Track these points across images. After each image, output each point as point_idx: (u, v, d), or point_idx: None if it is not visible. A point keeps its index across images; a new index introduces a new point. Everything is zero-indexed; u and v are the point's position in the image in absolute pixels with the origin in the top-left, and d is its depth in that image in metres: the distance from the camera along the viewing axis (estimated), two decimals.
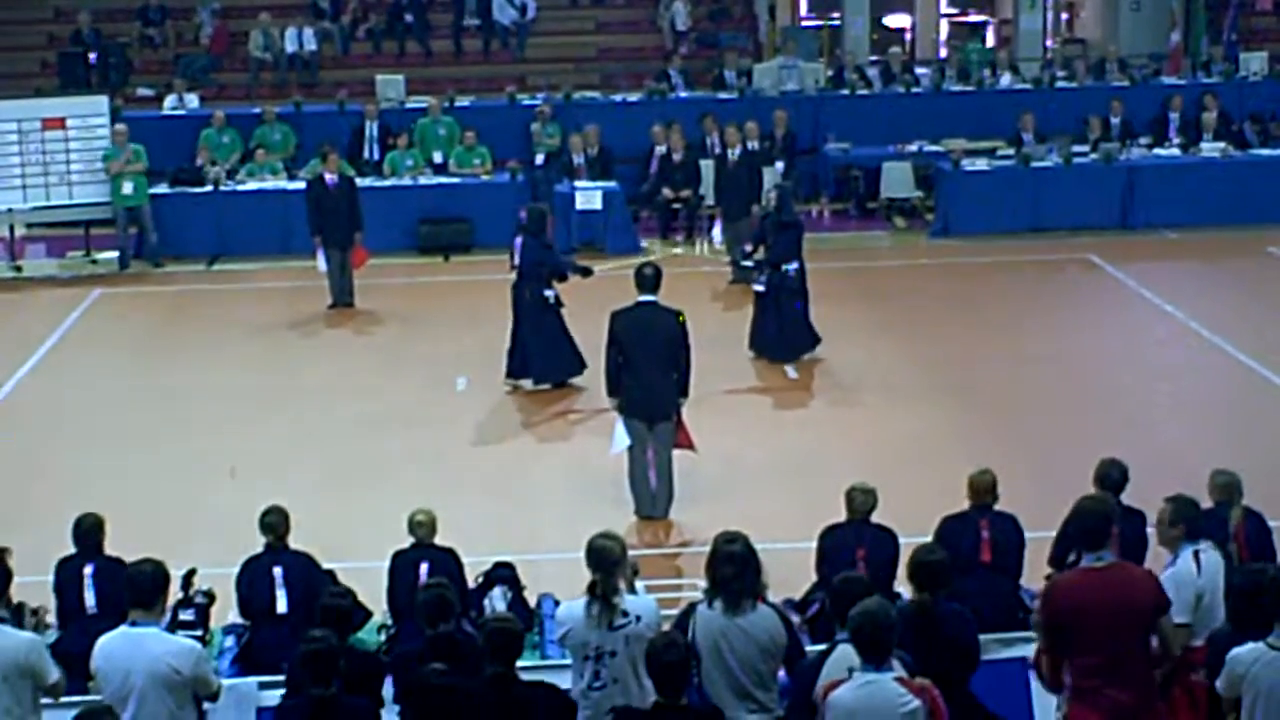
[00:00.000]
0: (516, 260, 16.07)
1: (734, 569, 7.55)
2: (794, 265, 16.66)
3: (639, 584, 8.30)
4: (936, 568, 8.00)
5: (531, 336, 16.09)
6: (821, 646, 8.38)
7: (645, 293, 12.91)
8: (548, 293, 16.00)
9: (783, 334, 16.75)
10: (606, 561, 7.86)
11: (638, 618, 7.82)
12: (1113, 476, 9.94)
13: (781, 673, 7.74)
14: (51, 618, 9.87)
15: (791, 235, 16.82)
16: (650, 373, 12.64)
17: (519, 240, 16.08)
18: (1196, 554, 8.39)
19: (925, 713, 6.97)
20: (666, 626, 7.93)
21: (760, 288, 16.79)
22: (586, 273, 16.62)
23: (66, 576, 10.00)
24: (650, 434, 12.72)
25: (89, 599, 9.89)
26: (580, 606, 7.86)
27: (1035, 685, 8.86)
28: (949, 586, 8.08)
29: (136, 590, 7.78)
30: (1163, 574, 8.20)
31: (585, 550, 7.94)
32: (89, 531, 10.03)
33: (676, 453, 12.93)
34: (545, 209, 17.07)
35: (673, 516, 12.82)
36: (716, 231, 20.73)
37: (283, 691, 8.37)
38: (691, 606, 7.71)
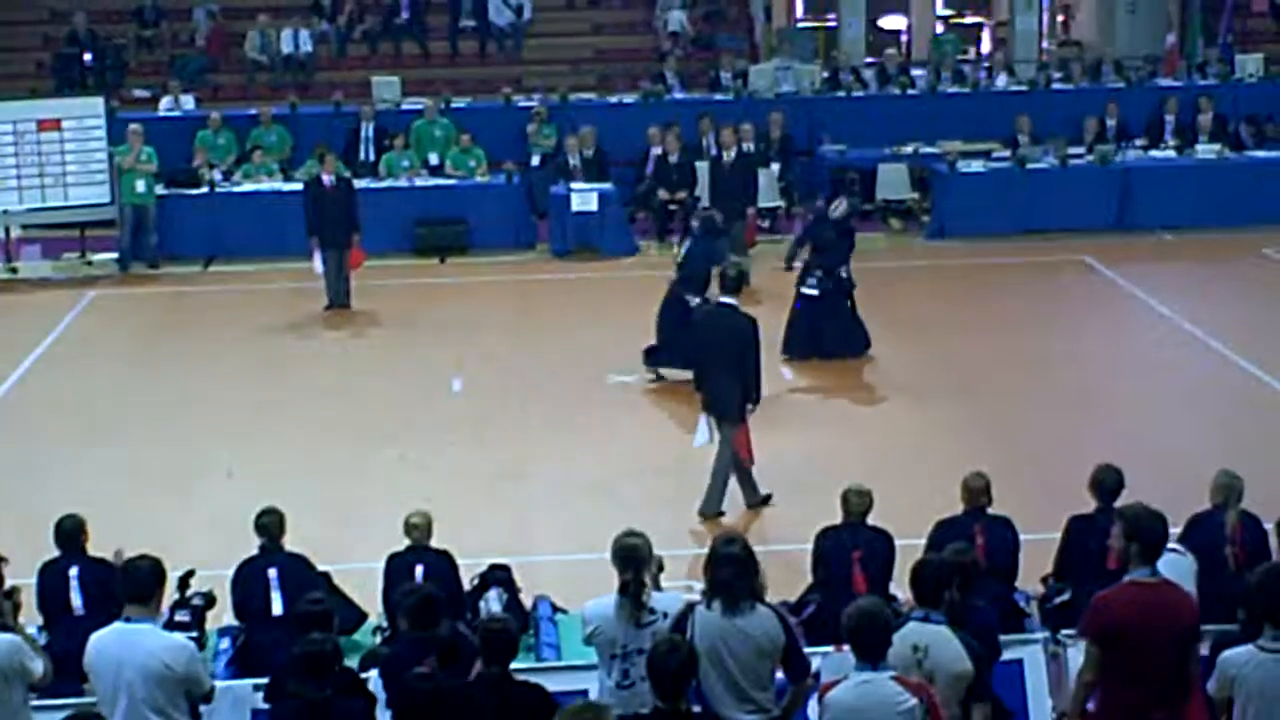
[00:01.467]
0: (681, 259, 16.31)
1: (732, 570, 7.55)
2: (846, 269, 16.90)
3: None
4: (971, 569, 8.06)
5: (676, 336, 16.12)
6: (826, 648, 8.43)
7: (726, 295, 13.04)
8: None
9: (844, 332, 16.85)
10: (634, 560, 7.87)
11: (664, 615, 7.81)
12: (1108, 482, 9.93)
13: (779, 673, 7.75)
14: (24, 597, 9.77)
15: (849, 241, 17.12)
16: (717, 373, 12.79)
17: (686, 244, 16.27)
18: None
19: (922, 711, 6.98)
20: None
21: (814, 291, 16.79)
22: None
23: (51, 579, 9.99)
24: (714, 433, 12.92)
25: (75, 600, 9.88)
26: (609, 605, 7.86)
27: (1030, 687, 8.90)
28: (976, 585, 8.16)
29: (133, 585, 7.78)
30: None
31: (612, 549, 7.94)
32: (70, 533, 10.02)
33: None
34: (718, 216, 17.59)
35: (667, 517, 12.80)
36: None
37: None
38: (690, 607, 7.71)
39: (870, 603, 7.24)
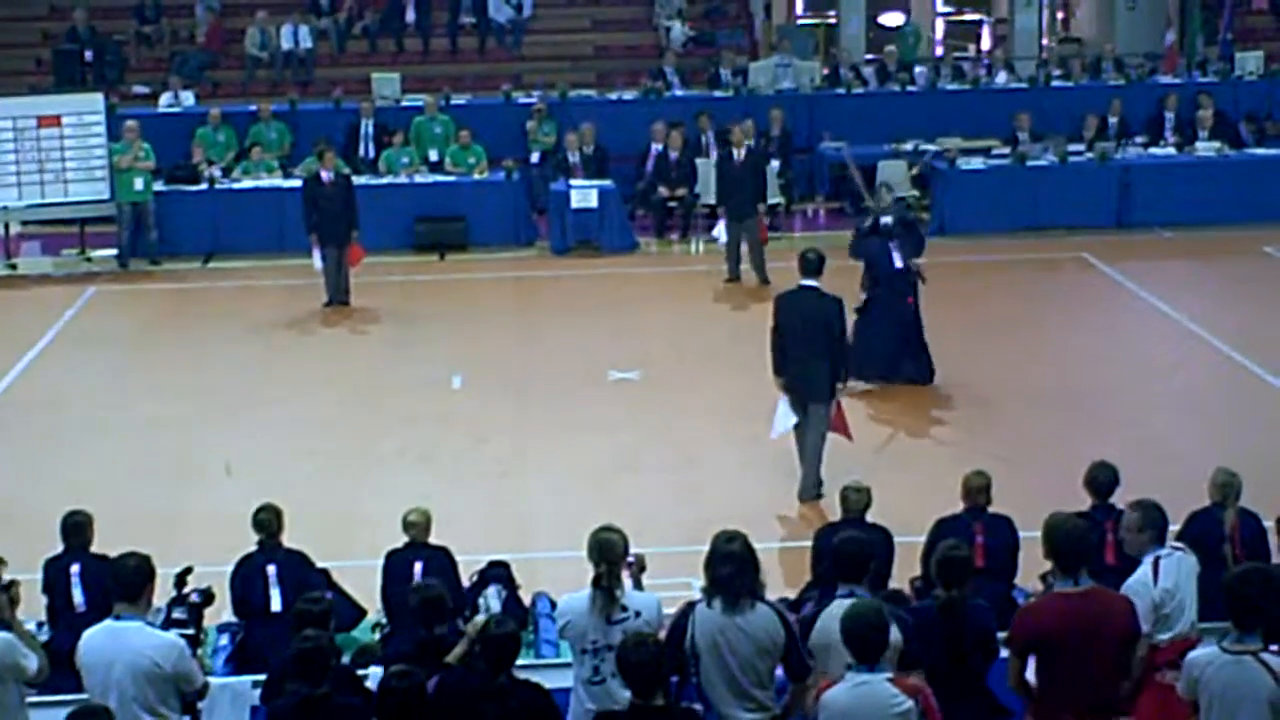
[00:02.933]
0: (899, 264, 15.93)
1: (732, 568, 7.53)
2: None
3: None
4: (962, 563, 8.07)
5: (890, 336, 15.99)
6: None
7: (807, 277, 13.14)
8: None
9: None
10: (610, 554, 7.85)
11: (637, 613, 7.80)
12: (1103, 480, 9.91)
13: (779, 670, 7.75)
14: (23, 591, 9.74)
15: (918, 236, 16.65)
16: (804, 356, 12.93)
17: (893, 244, 15.98)
18: (1157, 561, 8.38)
19: (918, 713, 7.00)
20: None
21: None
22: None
23: (54, 575, 9.99)
24: (803, 416, 12.99)
25: (77, 597, 9.87)
26: (581, 599, 7.85)
27: None
28: (972, 581, 8.15)
29: (121, 583, 7.77)
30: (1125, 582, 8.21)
31: (588, 543, 7.92)
32: (75, 529, 10.01)
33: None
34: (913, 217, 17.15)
35: (666, 514, 12.80)
36: (720, 230, 20.61)
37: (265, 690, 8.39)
38: (690, 605, 7.70)
39: (866, 604, 7.25)
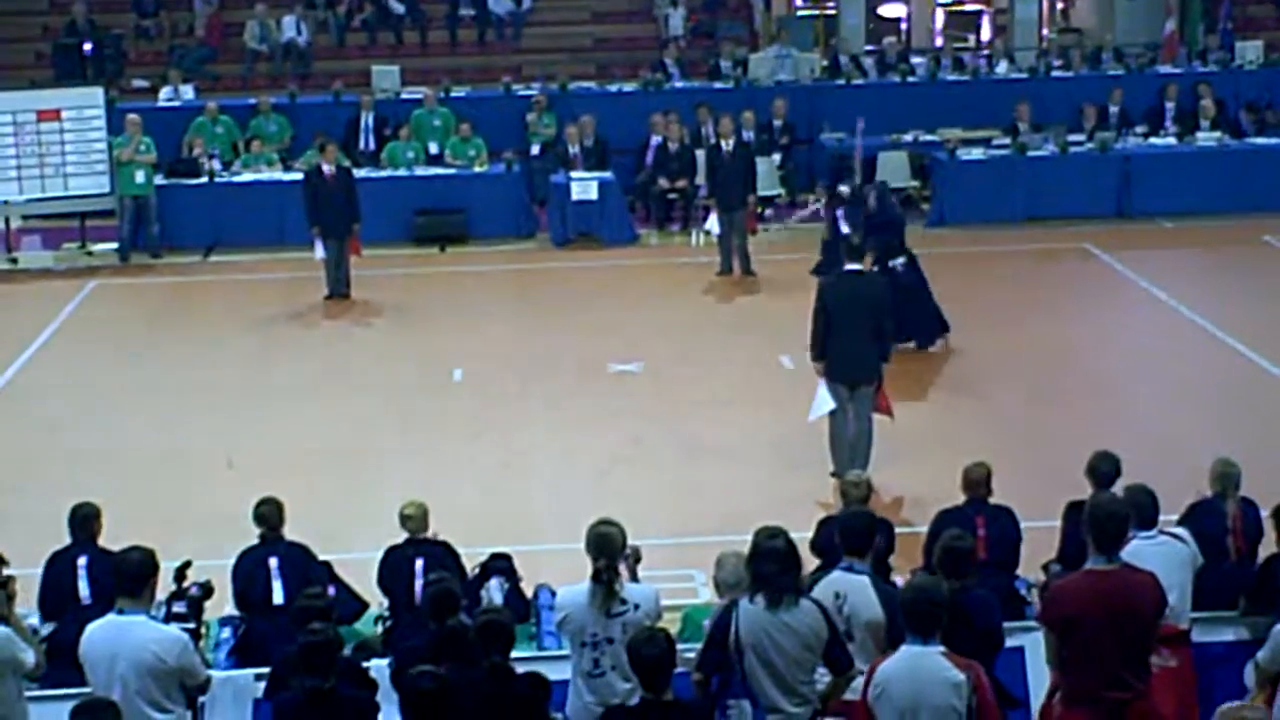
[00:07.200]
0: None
1: (777, 565, 7.54)
2: (901, 260, 16.43)
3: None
4: (965, 555, 8.09)
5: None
6: None
7: (853, 262, 13.28)
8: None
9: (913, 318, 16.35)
10: (608, 548, 7.89)
11: (636, 606, 7.84)
12: (1105, 470, 9.87)
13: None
14: (24, 585, 9.73)
15: (897, 231, 16.72)
16: (856, 338, 13.02)
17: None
18: (1128, 541, 8.41)
19: (970, 687, 7.08)
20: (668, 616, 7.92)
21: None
22: None
23: (60, 567, 9.95)
24: (851, 398, 13.07)
25: (83, 590, 9.83)
26: (580, 592, 7.88)
27: (1031, 673, 8.91)
28: (976, 572, 8.17)
29: (124, 578, 7.78)
30: None
31: (586, 537, 7.95)
32: (84, 521, 9.98)
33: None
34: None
35: (667, 507, 12.80)
36: (712, 221, 20.60)
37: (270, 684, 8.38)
38: (734, 601, 7.71)
39: (927, 580, 7.45)
